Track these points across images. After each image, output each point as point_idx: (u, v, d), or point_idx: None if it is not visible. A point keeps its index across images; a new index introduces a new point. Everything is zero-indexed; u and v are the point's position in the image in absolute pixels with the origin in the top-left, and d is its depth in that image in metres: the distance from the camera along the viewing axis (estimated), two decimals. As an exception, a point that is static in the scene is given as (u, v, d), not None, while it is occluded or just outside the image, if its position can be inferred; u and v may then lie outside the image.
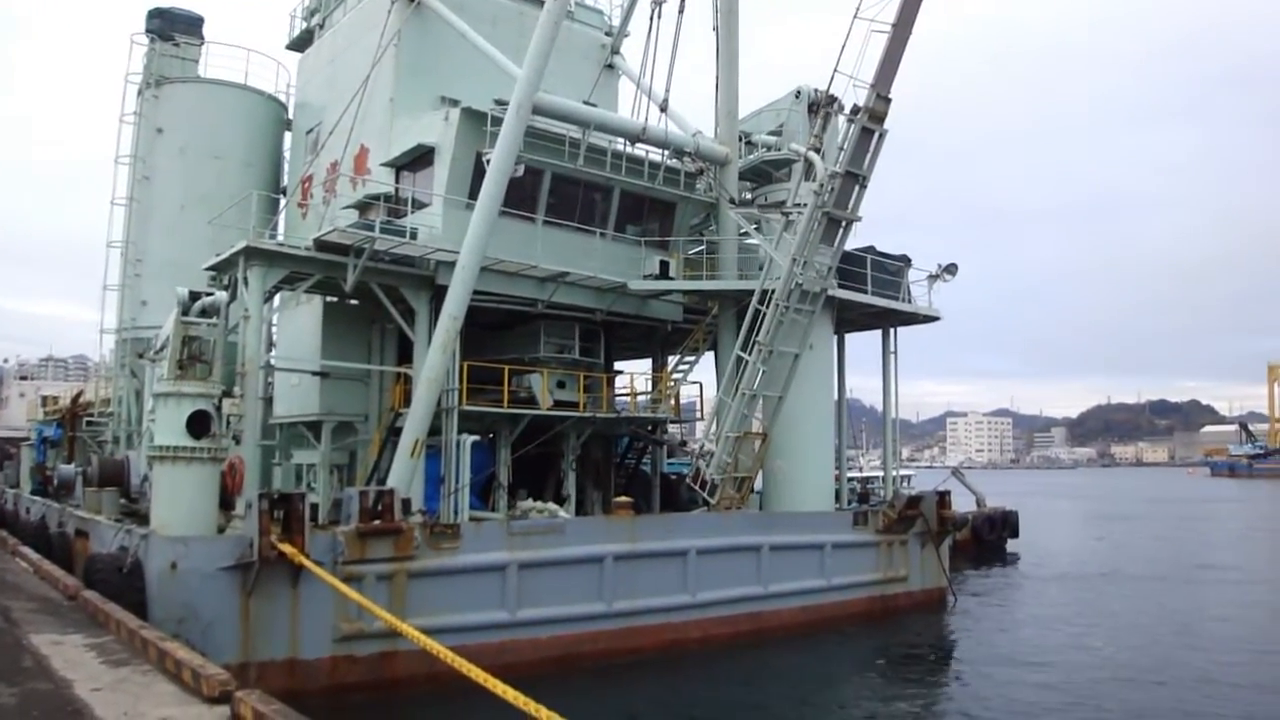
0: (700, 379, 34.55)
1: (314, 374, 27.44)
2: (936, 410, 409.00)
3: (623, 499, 26.08)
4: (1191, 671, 22.44)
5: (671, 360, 33.50)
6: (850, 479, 36.60)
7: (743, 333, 27.15)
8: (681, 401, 33.61)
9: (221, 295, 20.76)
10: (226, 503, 21.36)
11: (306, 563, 17.51)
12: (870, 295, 30.56)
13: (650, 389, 33.05)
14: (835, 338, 31.74)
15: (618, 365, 34.15)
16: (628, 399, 32.43)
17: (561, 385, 28.64)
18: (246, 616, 17.99)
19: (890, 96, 25.14)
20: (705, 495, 26.92)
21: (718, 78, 30.45)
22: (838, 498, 32.22)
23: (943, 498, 31.25)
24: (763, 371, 26.47)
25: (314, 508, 24.57)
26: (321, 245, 24.20)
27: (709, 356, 32.69)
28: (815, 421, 29.53)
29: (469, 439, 25.30)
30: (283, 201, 32.66)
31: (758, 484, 28.91)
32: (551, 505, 26.36)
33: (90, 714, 10.35)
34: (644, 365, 35.92)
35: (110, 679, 11.85)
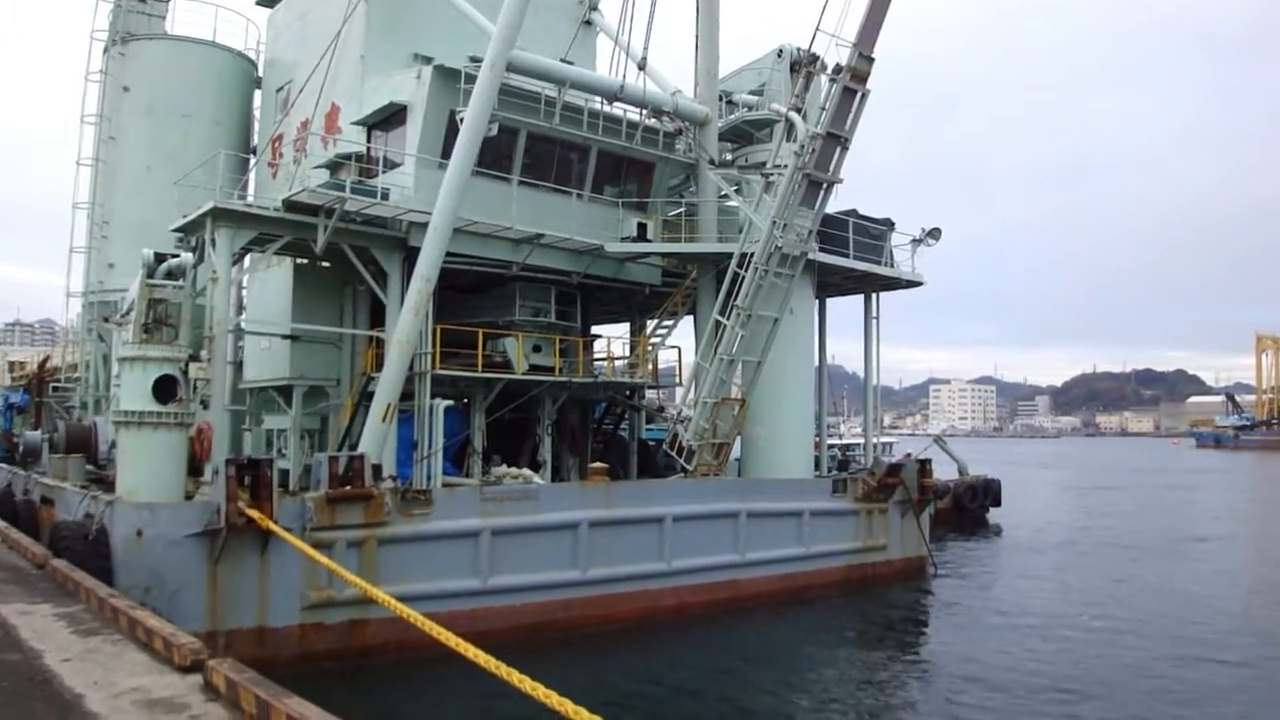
0: (679, 343, 34.56)
1: (284, 337, 27.34)
2: (919, 377, 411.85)
3: (598, 465, 26.24)
4: (1175, 644, 22.53)
5: (649, 324, 33.63)
6: (830, 446, 36.88)
7: (721, 296, 27.26)
8: (659, 366, 33.75)
9: (188, 257, 20.58)
10: (195, 469, 21.38)
11: (275, 529, 17.51)
12: (852, 259, 30.60)
13: (628, 353, 33.17)
14: (816, 302, 31.81)
15: (594, 329, 34.28)
16: (605, 364, 32.60)
17: (537, 349, 28.67)
18: (214, 584, 18.03)
19: (873, 56, 25.14)
20: (682, 461, 27.05)
21: (698, 35, 30.23)
22: (817, 465, 32.43)
23: (924, 466, 31.57)
24: (741, 336, 26.55)
25: (284, 474, 24.61)
26: (291, 206, 24.02)
27: (688, 321, 32.65)
28: (795, 387, 29.61)
29: (442, 404, 25.32)
30: (252, 161, 32.38)
31: (736, 450, 29.07)
32: (526, 471, 26.46)
33: (60, 684, 10.32)
34: (621, 329, 35.95)
35: (80, 649, 11.84)
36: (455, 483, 25.10)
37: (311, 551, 16.18)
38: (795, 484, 28.62)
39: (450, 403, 25.99)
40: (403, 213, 24.86)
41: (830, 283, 32.01)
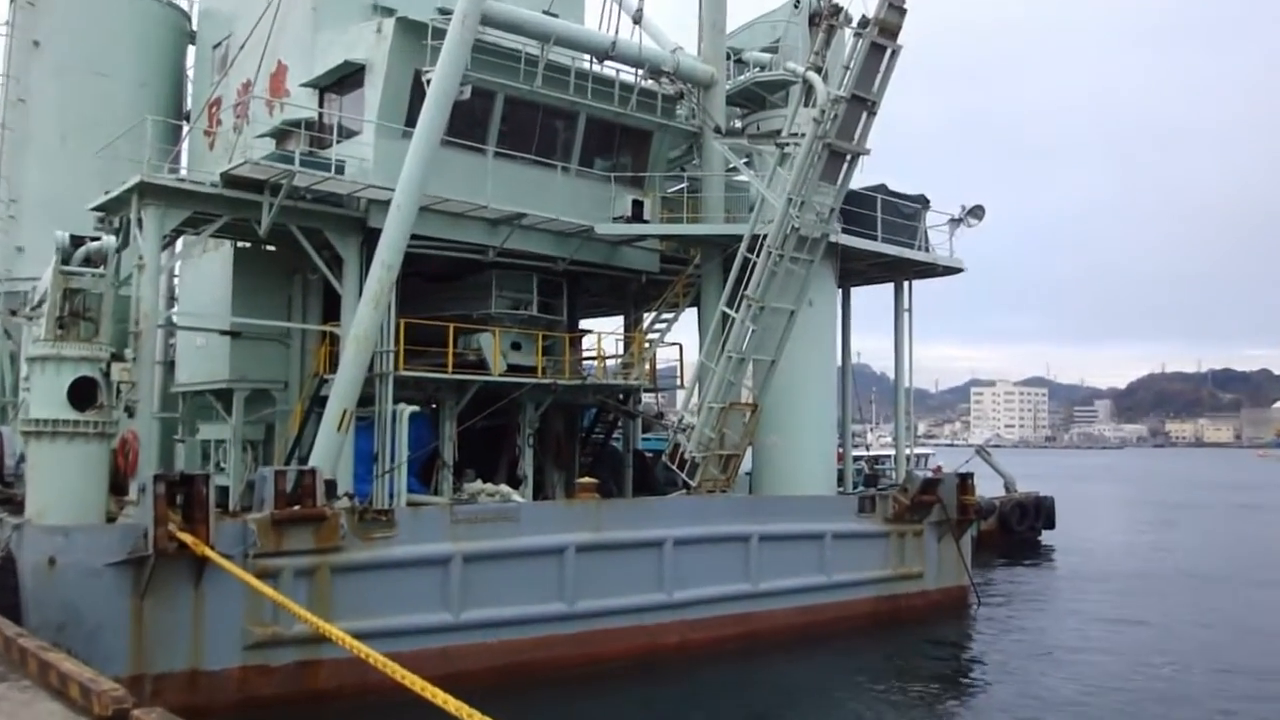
0: (680, 340, 34.62)
1: (223, 333, 27.32)
2: (959, 378, 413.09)
3: (587, 480, 26.33)
4: (1261, 694, 22.27)
5: (646, 318, 33.71)
6: (856, 458, 36.99)
7: (729, 286, 27.28)
8: (658, 367, 33.97)
9: (111, 240, 20.45)
10: (118, 486, 21.23)
11: (212, 555, 17.46)
12: (880, 242, 30.63)
13: (621, 351, 32.97)
14: (839, 292, 31.87)
15: (583, 324, 34.24)
16: (595, 363, 32.27)
17: (516, 347, 28.66)
18: (139, 620, 17.94)
19: (905, 7, 25.08)
20: (685, 476, 27.04)
21: (702, -17, 30.22)
22: (841, 480, 32.46)
23: (965, 481, 31.49)
24: (753, 331, 26.56)
25: (222, 491, 24.73)
26: (231, 181, 23.99)
27: (690, 313, 32.84)
28: (815, 390, 29.66)
29: (406, 410, 25.35)
30: (185, 129, 32.28)
31: (746, 463, 29.18)
32: (504, 488, 26.55)
33: (-42, 741, 10.31)
34: (614, 323, 36.27)
35: (-20, 699, 11.75)
36: (422, 501, 25.10)
37: (254, 581, 16.18)
38: (815, 502, 28.65)
39: (416, 409, 25.98)
40: (361, 189, 24.87)
41: (855, 269, 31.97)
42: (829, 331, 30.80)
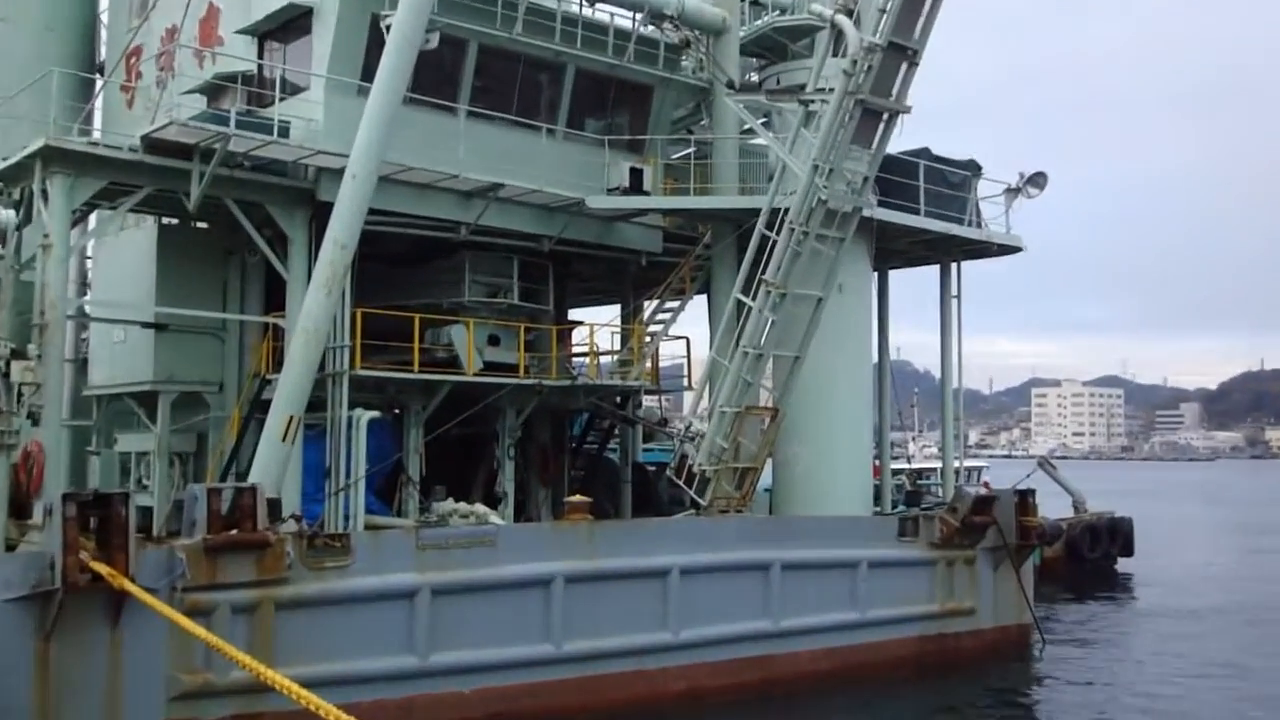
0: (688, 333, 35.14)
1: (145, 326, 27.29)
2: (1018, 378, 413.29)
3: (578, 498, 25.99)
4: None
5: (648, 307, 33.74)
6: (896, 472, 37.07)
7: (745, 268, 27.43)
8: (662, 364, 33.95)
9: (10, 215, 20.50)
10: (19, 508, 21.22)
11: (132, 589, 17.29)
12: (923, 216, 30.67)
13: (618, 347, 33.20)
14: (874, 276, 31.94)
15: (573, 314, 34.55)
16: (587, 360, 32.32)
17: (494, 341, 28.87)
18: (45, 667, 17.73)
19: (952, -63, 25.05)
20: (693, 493, 27.10)
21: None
22: (878, 498, 32.52)
23: (1025, 499, 31.17)
24: (773, 322, 26.63)
25: (145, 513, 24.83)
26: (154, 145, 23.99)
27: (699, 301, 32.98)
28: (846, 392, 29.79)
29: (365, 415, 25.47)
30: (99, 83, 32.00)
31: (765, 478, 29.37)
32: (480, 508, 26.64)
33: None
34: (609, 313, 36.29)
35: None
36: (383, 524, 25.15)
37: (183, 620, 16.00)
38: (848, 524, 28.64)
39: (376, 414, 26.13)
40: (309, 155, 24.92)
41: (894, 249, 32.06)
42: (863, 322, 30.88)
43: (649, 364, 32.65)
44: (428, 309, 28.11)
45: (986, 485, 37.80)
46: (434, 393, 27.67)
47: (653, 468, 34.37)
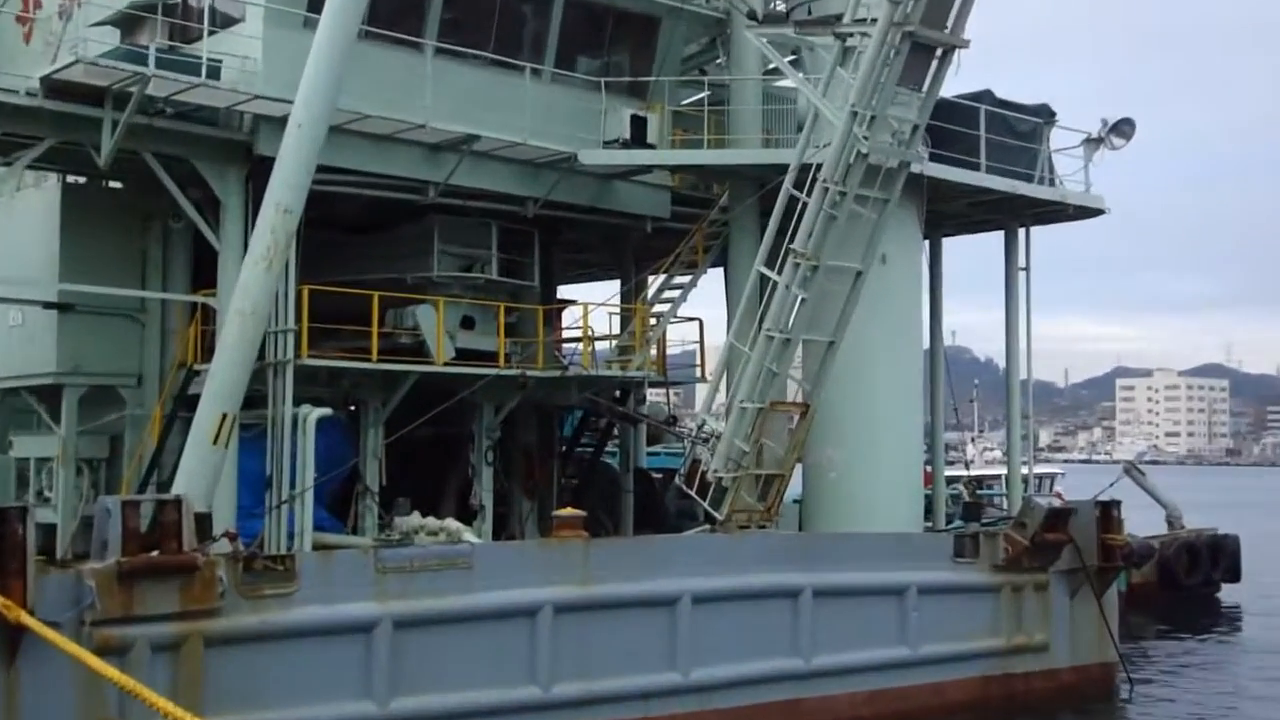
0: (700, 313, 35.22)
1: (47, 306, 27.18)
2: (1099, 366, 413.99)
3: (569, 512, 25.37)
4: None
5: (653, 283, 33.60)
6: (951, 480, 36.97)
7: (769, 236, 26.93)
8: (670, 352, 33.64)
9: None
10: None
11: (30, 623, 17.08)
12: (984, 173, 30.42)
13: (618, 331, 32.90)
14: (925, 244, 31.73)
15: (563, 291, 34.74)
16: (580, 347, 31.85)
17: (469, 324, 28.96)
18: (-73, 714, 17.68)
19: None
20: (707, 505, 26.92)
21: None
22: (930, 511, 32.40)
23: (1108, 512, 30.67)
24: (802, 300, 26.27)
25: (47, 531, 24.66)
26: (57, 88, 23.87)
27: (714, 276, 33.00)
28: (891, 384, 29.56)
29: (314, 414, 25.41)
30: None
31: (794, 487, 29.03)
32: (452, 523, 26.52)
33: None
34: (607, 290, 36.54)
35: None
36: (335, 543, 25.00)
37: (92, 660, 15.76)
38: (893, 542, 28.25)
39: (327, 412, 26.00)
40: (244, 101, 24.82)
41: (949, 212, 31.97)
42: (911, 301, 30.67)
43: (654, 351, 32.36)
44: (389, 285, 28.03)
45: (1060, 496, 37.52)
46: (396, 386, 27.62)
47: (659, 475, 34.44)
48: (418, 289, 28.63)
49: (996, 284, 33.74)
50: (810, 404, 27.53)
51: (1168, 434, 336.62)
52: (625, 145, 29.13)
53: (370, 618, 21.01)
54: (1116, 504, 31.37)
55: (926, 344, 32.63)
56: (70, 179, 27.76)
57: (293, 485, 24.96)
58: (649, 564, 24.55)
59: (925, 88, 26.10)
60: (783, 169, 27.09)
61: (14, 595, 17.36)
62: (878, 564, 27.22)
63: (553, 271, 32.46)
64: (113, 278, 27.15)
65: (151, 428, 26.62)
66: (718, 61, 32.12)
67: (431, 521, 26.58)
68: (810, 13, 30.31)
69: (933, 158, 29.25)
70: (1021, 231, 33.71)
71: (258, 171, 24.84)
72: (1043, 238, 33.69)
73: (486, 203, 29.06)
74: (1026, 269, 33.58)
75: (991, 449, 65.49)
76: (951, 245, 34.01)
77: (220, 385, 23.04)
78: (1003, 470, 40.33)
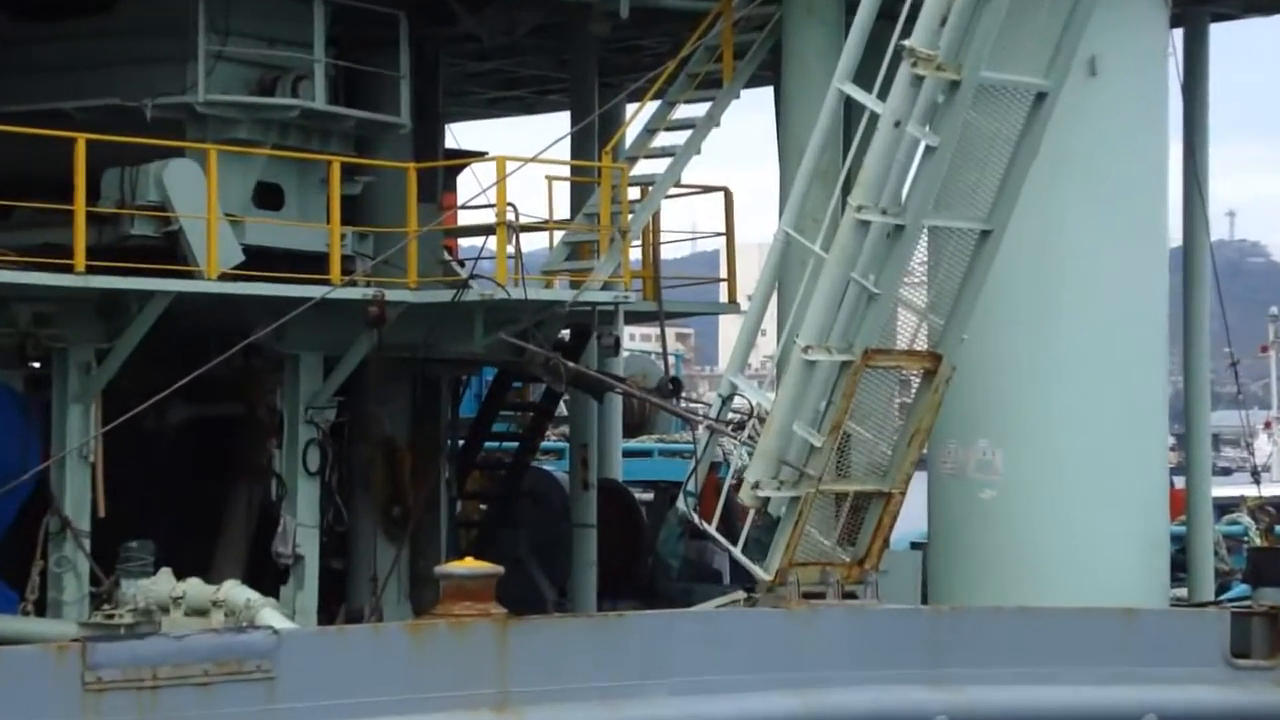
0: (728, 178, 28.90)
1: None
2: None
3: (469, 567, 17.36)
4: None
5: (634, 116, 26.81)
6: (1224, 505, 29.16)
7: (861, 29, 18.75)
8: (665, 254, 27.66)
9: None
10: None
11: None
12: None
13: (567, 213, 26.43)
14: (1170, 37, 24.07)
15: (460, 134, 30.24)
16: (491, 244, 23.89)
17: (272, 199, 23.42)
18: None
19: None
20: (738, 553, 19.61)
21: None
22: (1181, 566, 26.24)
23: None
24: (930, 151, 17.85)
25: None
26: None
27: (753, 100, 27.03)
28: (1105, 320, 22.24)
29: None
30: None
31: (913, 518, 23.18)
32: (238, 591, 20.58)
33: None
34: (546, 130, 28.21)
35: None
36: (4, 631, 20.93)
37: None
38: (1114, 626, 20.03)
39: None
40: None
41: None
42: (1148, 150, 22.60)
43: (637, 254, 25.62)
44: (108, 123, 21.30)
45: None
46: (125, 319, 21.55)
47: (646, 495, 29.92)
48: (166, 127, 21.75)
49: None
50: (944, 356, 19.02)
51: None
52: None
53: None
54: None
55: (1176, 240, 24.44)
56: None
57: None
58: (626, 668, 16.57)
59: None
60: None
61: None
62: (1077, 669, 19.01)
63: (438, 95, 25.98)
64: None
65: None
66: None
67: (197, 587, 20.71)
68: None
69: None
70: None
71: None
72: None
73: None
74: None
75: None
76: (1221, 36, 25.85)
77: None
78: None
